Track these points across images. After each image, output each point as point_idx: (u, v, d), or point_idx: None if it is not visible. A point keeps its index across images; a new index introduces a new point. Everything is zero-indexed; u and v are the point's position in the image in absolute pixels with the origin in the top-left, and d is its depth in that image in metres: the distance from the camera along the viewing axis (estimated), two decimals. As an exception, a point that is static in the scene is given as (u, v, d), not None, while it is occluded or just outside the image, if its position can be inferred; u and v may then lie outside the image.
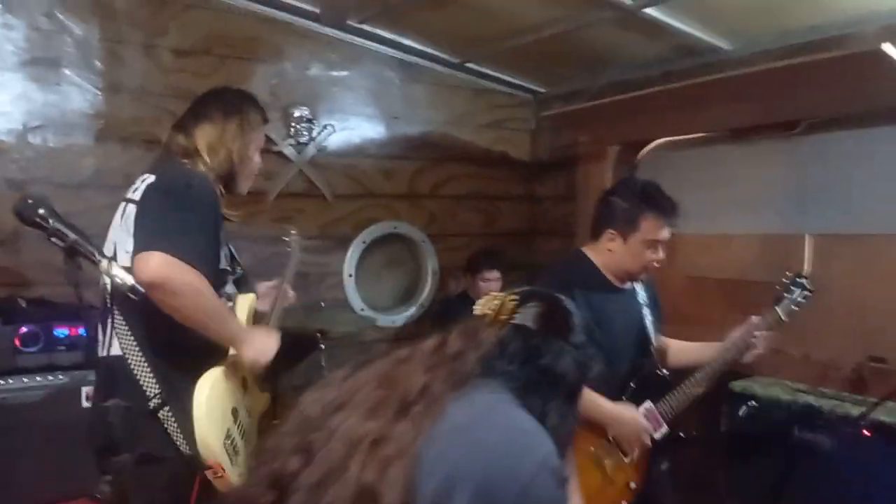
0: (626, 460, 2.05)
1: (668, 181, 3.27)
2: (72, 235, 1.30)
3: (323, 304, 3.25)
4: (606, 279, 2.12)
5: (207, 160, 1.72)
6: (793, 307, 2.12)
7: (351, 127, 3.41)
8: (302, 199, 3.30)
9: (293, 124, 3.22)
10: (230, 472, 1.54)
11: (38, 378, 2.20)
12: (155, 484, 1.51)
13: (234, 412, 1.67)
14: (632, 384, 2.09)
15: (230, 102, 1.83)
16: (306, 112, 3.24)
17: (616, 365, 2.06)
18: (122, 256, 1.56)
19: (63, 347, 2.27)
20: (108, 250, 1.62)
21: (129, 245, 1.54)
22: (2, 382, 2.15)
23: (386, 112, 3.50)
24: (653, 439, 2.06)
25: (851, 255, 2.57)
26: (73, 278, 1.30)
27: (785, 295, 2.13)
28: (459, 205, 3.78)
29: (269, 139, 3.15)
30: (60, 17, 2.70)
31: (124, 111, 2.83)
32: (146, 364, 1.56)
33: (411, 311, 3.68)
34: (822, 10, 2.40)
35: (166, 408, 1.55)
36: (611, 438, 2.05)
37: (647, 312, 2.20)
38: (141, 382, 1.55)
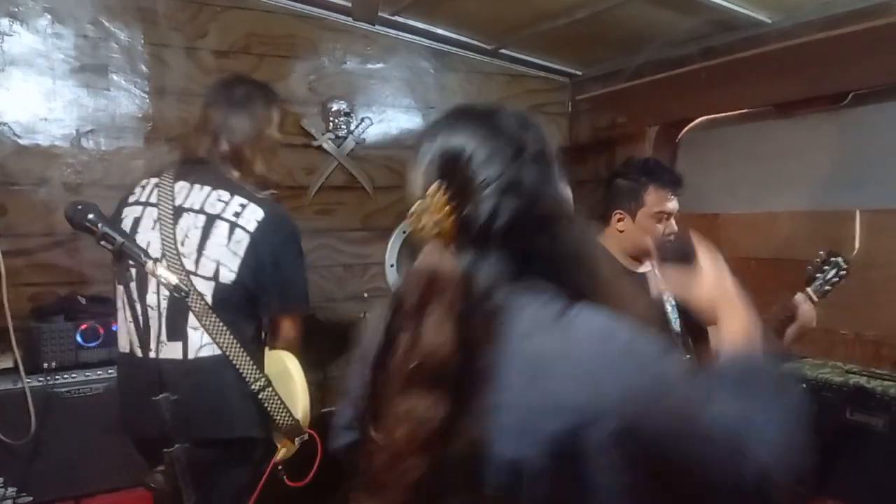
0: None
1: (710, 160, 3.24)
2: (119, 239, 1.36)
3: (366, 294, 3.31)
4: (620, 265, 2.11)
5: (254, 169, 1.88)
6: (826, 287, 2.06)
7: (388, 119, 3.44)
8: (343, 192, 3.36)
9: (332, 118, 3.27)
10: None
11: (98, 372, 2.29)
12: (239, 467, 1.76)
13: None
14: None
15: (257, 98, 1.92)
16: (344, 106, 3.29)
17: None
18: (224, 273, 1.75)
19: (121, 342, 2.37)
20: (190, 261, 1.75)
21: (235, 264, 1.75)
22: (66, 377, 2.25)
23: (422, 102, 3.52)
24: None
25: (904, 230, 2.48)
26: (122, 279, 1.37)
27: (817, 275, 2.07)
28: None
29: (308, 134, 3.22)
30: (106, 24, 2.80)
31: (170, 113, 2.92)
32: (247, 356, 1.74)
33: (453, 298, 3.70)
34: (867, -24, 2.31)
35: (269, 388, 1.75)
36: None
37: (667, 296, 2.17)
38: (243, 373, 1.73)
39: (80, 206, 1.40)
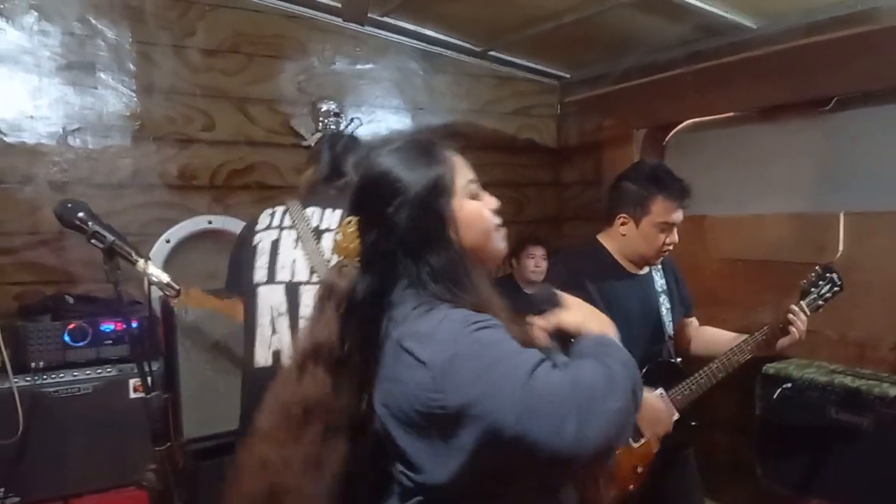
0: (634, 444, 2.02)
1: (697, 163, 3.27)
2: (110, 237, 1.36)
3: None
4: (620, 266, 2.12)
5: None
6: (819, 302, 2.07)
7: (377, 119, 3.44)
8: (331, 192, 3.35)
9: (321, 119, 3.26)
10: None
11: (87, 371, 2.28)
12: None
13: None
14: (644, 370, 2.09)
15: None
16: (333, 106, 3.29)
17: (630, 351, 2.05)
18: None
19: (110, 341, 2.34)
20: (285, 272, 1.85)
21: None
22: (53, 376, 2.22)
23: (411, 103, 3.52)
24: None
25: (887, 233, 2.51)
26: (112, 277, 1.37)
27: (812, 289, 2.09)
28: (487, 192, 3.79)
29: (297, 134, 3.22)
30: (93, 21, 2.78)
31: (158, 112, 2.91)
32: None
33: (442, 299, 3.72)
34: (850, -17, 2.35)
35: None
36: None
37: (664, 299, 2.18)
38: None
39: (70, 205, 1.40)
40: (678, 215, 2.04)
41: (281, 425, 1.07)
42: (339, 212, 1.95)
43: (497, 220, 1.16)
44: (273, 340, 1.82)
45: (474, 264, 1.09)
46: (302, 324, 1.82)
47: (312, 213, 1.96)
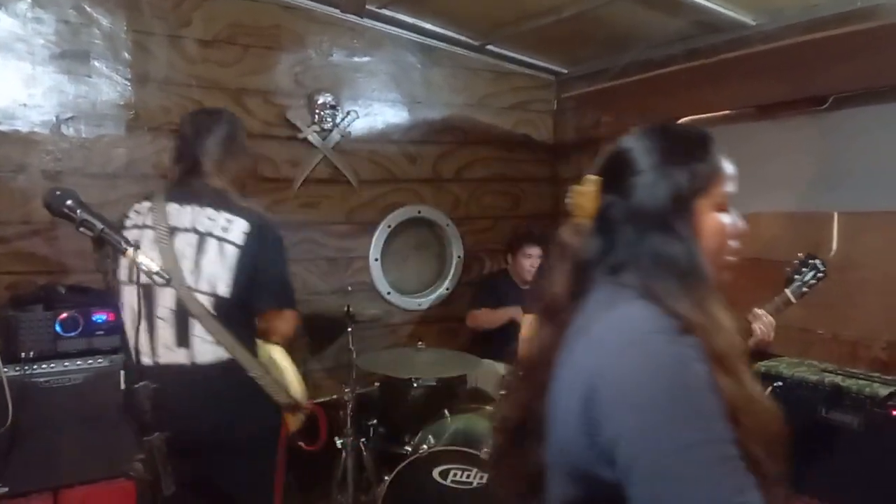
0: None
1: (694, 160, 3.26)
2: (99, 225, 1.35)
3: (350, 287, 3.30)
4: None
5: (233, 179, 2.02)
6: (804, 289, 2.08)
7: (374, 112, 3.43)
8: (327, 186, 3.35)
9: (317, 111, 3.25)
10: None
11: (78, 362, 2.26)
12: (257, 456, 1.94)
13: None
14: None
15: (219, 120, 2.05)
16: (330, 99, 3.28)
17: None
18: (221, 287, 1.85)
19: (101, 332, 2.33)
20: (190, 277, 1.84)
21: (229, 277, 1.86)
22: (44, 366, 2.21)
23: (408, 97, 3.51)
24: None
25: (881, 233, 2.51)
26: (102, 267, 1.36)
27: (795, 276, 2.10)
28: (483, 188, 3.80)
29: (293, 126, 3.21)
30: (88, 9, 2.76)
31: (152, 101, 2.90)
32: (248, 355, 1.89)
33: (437, 293, 3.71)
34: (849, -19, 2.34)
35: (267, 376, 1.91)
36: None
37: None
38: (247, 370, 1.88)
39: (58, 192, 1.39)
40: None
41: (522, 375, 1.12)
42: (196, 208, 1.90)
43: (734, 246, 1.08)
44: (137, 339, 1.82)
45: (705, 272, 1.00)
46: (159, 325, 1.83)
47: (171, 209, 1.92)
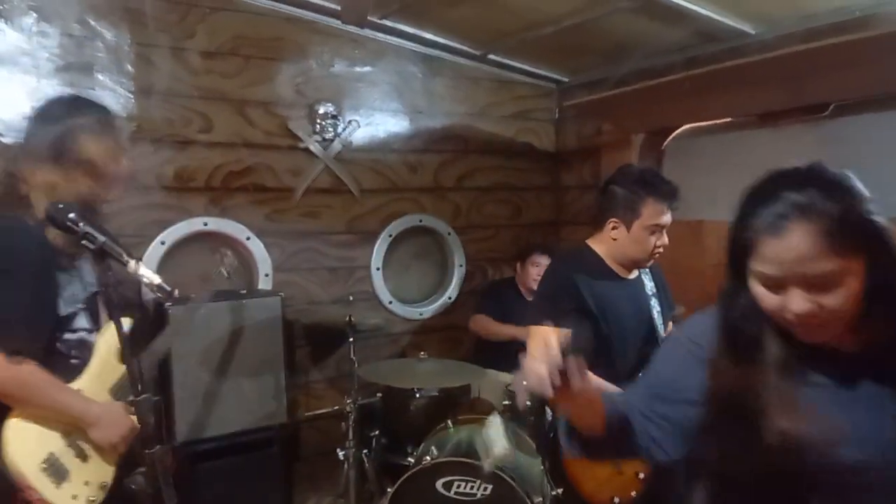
0: None
1: (694, 168, 3.27)
2: (101, 238, 1.35)
3: (351, 297, 3.31)
4: (611, 269, 2.13)
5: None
6: None
7: (375, 122, 3.45)
8: (329, 195, 3.35)
9: (319, 121, 3.27)
10: (50, 496, 1.51)
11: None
12: None
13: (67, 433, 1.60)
14: (640, 375, 2.09)
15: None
16: (331, 108, 3.29)
17: (623, 355, 2.06)
18: None
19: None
20: None
21: None
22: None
23: (410, 106, 3.53)
24: None
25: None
26: (103, 279, 1.36)
27: None
28: (485, 197, 3.80)
29: (295, 136, 3.22)
30: (92, 23, 2.78)
31: (155, 113, 2.91)
32: None
33: (439, 302, 3.72)
34: (848, -10, 2.35)
35: None
36: None
37: (654, 303, 2.19)
38: None
39: (61, 206, 1.39)
40: (668, 218, 2.06)
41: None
42: None
43: None
44: None
45: None
46: None
47: None
